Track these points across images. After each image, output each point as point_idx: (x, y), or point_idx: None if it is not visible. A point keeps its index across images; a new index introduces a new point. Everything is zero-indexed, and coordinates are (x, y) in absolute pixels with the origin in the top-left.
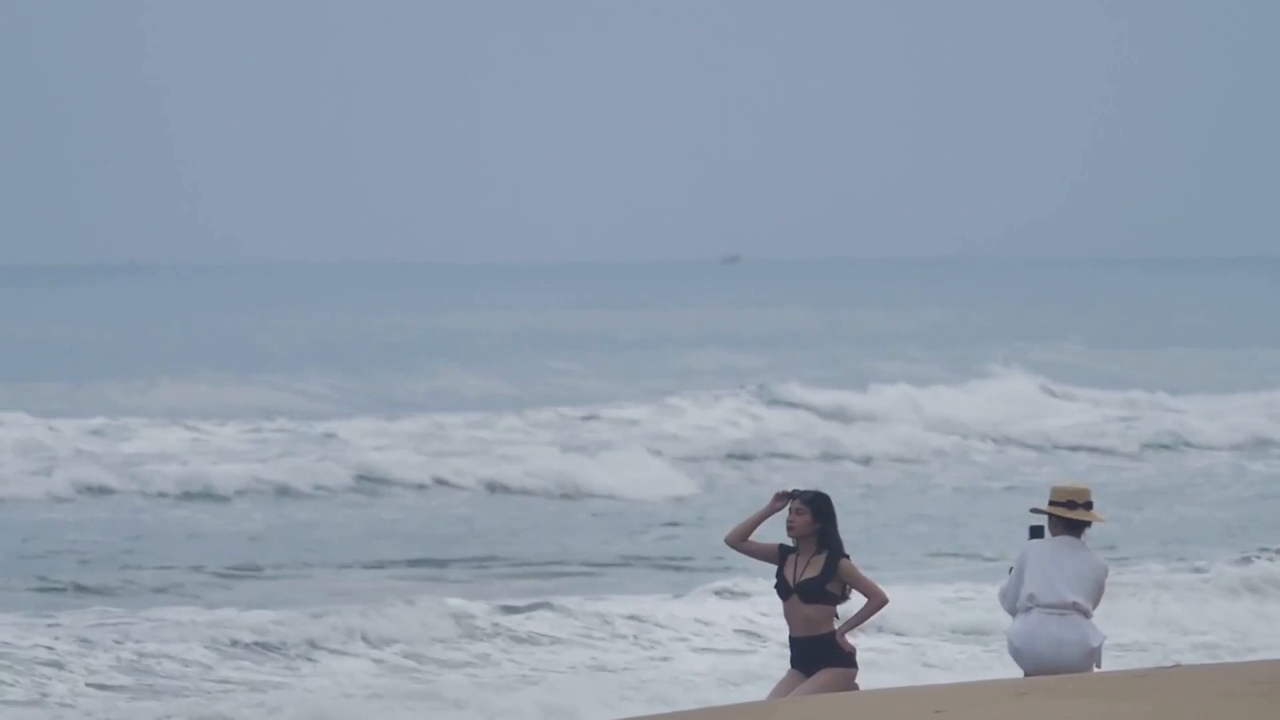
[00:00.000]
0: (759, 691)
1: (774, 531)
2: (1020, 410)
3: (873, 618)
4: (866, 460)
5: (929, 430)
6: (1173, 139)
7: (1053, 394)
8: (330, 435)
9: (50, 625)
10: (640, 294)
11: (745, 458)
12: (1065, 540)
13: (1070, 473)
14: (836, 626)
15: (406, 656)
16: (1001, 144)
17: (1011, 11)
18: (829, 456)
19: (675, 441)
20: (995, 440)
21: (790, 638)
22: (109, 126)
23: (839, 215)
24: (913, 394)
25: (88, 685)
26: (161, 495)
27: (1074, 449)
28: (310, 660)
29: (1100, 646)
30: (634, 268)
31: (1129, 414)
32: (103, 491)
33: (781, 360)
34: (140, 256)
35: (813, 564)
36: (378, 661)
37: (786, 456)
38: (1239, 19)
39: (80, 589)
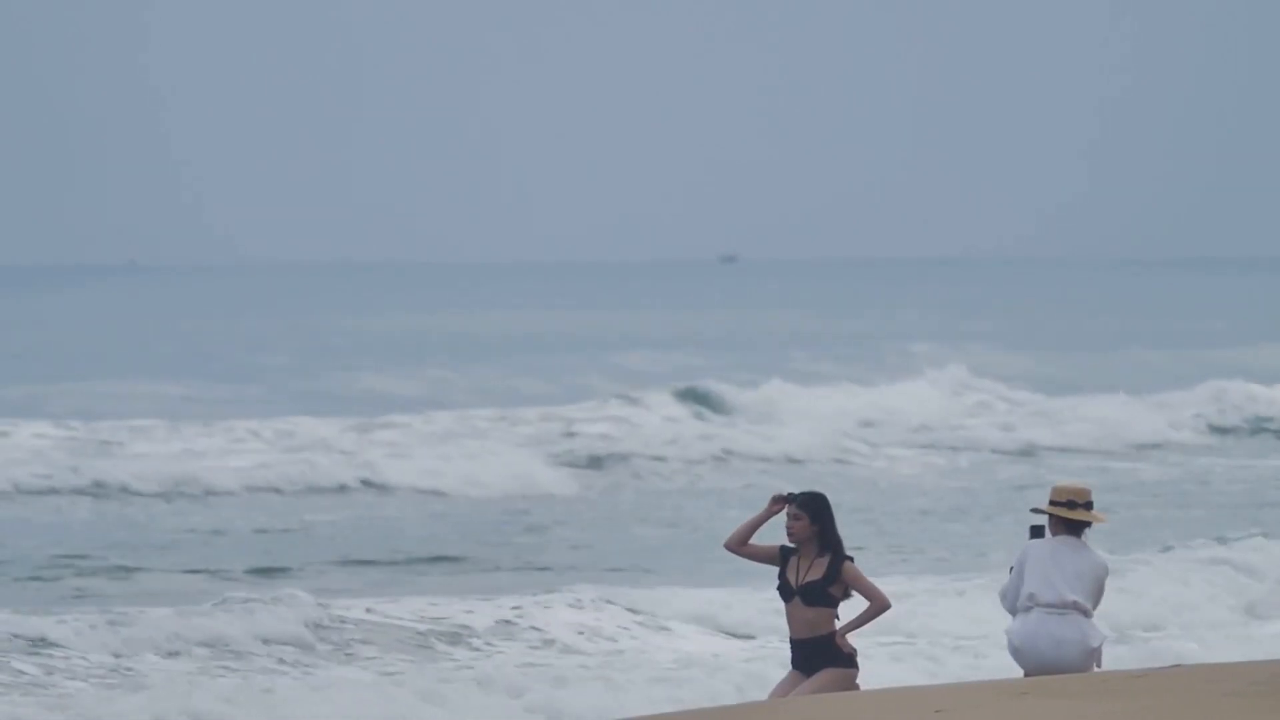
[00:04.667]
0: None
1: (774, 534)
2: (936, 410)
3: (873, 621)
4: (760, 460)
5: (830, 429)
6: (1177, 140)
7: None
8: (325, 435)
9: (50, 622)
10: (638, 294)
11: (622, 458)
12: (1065, 540)
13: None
14: (837, 628)
15: (382, 657)
16: (1002, 144)
17: (1014, 11)
18: (717, 458)
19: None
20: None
21: (791, 639)
22: (109, 126)
23: (837, 215)
24: (799, 392)
25: (82, 680)
26: (160, 495)
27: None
28: (293, 659)
29: (1100, 646)
30: (631, 268)
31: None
32: (100, 491)
33: (718, 360)
34: (140, 256)
35: (815, 566)
36: (365, 662)
37: (660, 459)
38: (1243, 19)
39: (78, 588)
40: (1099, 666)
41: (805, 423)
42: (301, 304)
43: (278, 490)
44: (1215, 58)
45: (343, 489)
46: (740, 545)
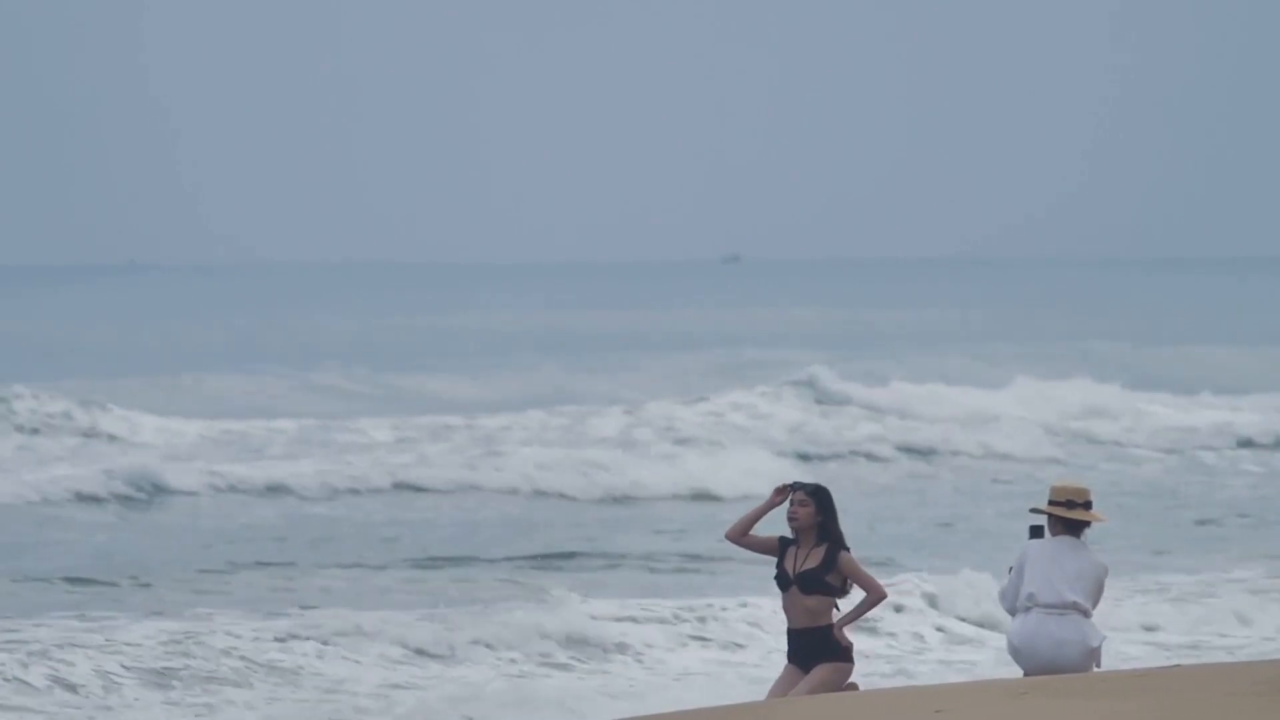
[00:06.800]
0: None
1: (775, 527)
2: (1097, 410)
3: (870, 612)
4: (954, 455)
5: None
6: (1173, 139)
7: (1131, 395)
8: (332, 435)
9: (53, 625)
10: (641, 294)
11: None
12: (1065, 540)
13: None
14: (835, 620)
15: (418, 655)
16: (1002, 143)
17: (1012, 11)
18: (911, 452)
19: (772, 438)
20: (1088, 440)
21: (789, 630)
22: (109, 126)
23: (839, 215)
24: (974, 393)
25: (90, 680)
26: (163, 494)
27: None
28: (314, 659)
29: (1100, 646)
30: (634, 268)
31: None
32: (105, 490)
33: (813, 358)
34: (140, 256)
35: (812, 555)
36: (383, 661)
37: (870, 456)
38: (1239, 18)
39: (80, 585)
40: (1099, 666)
41: (1009, 422)
42: (349, 302)
43: (474, 487)
44: (1212, 58)
45: (613, 497)
46: (741, 535)
